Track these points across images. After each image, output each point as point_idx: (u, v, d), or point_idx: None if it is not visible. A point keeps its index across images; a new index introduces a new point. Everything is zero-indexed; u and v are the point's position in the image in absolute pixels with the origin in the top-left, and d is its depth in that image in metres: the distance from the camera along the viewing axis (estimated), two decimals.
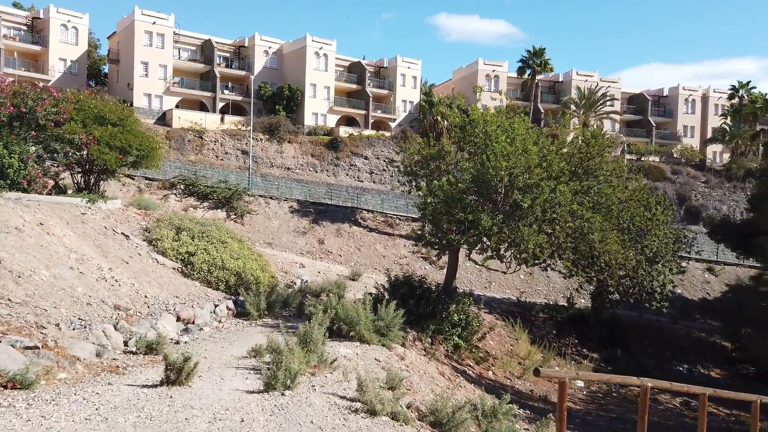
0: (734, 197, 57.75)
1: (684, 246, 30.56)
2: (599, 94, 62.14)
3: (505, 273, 19.39)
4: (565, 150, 18.70)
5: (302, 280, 26.51)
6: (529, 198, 16.08)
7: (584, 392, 21.92)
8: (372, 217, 41.94)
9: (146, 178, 37.18)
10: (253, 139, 49.53)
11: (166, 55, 55.21)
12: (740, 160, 60.44)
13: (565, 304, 32.64)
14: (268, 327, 14.44)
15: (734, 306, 37.85)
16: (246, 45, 61.42)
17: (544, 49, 61.17)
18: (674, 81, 77.23)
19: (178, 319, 13.17)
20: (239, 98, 58.26)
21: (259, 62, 60.39)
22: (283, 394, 7.33)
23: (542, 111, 63.99)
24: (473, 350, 20.30)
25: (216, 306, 15.45)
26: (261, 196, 40.46)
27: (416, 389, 10.99)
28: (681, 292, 38.96)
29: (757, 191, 31.77)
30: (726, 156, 66.36)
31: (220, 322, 14.66)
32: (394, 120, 63.23)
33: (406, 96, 64.41)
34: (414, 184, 18.64)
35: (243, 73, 59.29)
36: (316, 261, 33.99)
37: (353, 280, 29.30)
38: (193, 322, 13.48)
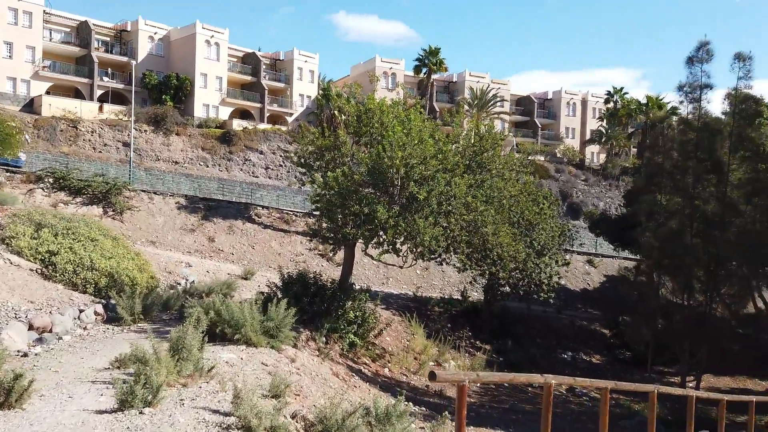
0: (610, 194, 62.17)
1: (568, 239, 32.12)
2: (490, 95, 64.43)
3: (401, 267, 19.06)
4: (460, 143, 18.67)
5: (188, 280, 24.70)
6: (425, 190, 15.80)
7: (478, 384, 22.18)
8: (267, 214, 40.38)
9: (7, 171, 33.14)
10: (136, 130, 45.97)
11: (35, 35, 49.86)
12: (615, 159, 65.17)
13: (460, 298, 33.25)
14: (142, 333, 12.96)
15: (611, 295, 40.64)
16: (129, 29, 57.02)
17: (440, 48, 62.40)
18: (557, 86, 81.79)
19: (31, 327, 11.41)
20: (121, 86, 53.97)
21: (144, 48, 56.31)
22: (141, 413, 6.23)
23: (437, 110, 65.28)
24: (369, 347, 19.81)
25: (81, 311, 13.69)
26: (144, 191, 37.50)
27: (306, 393, 10.18)
28: (565, 283, 41.06)
29: (632, 188, 34.14)
30: (603, 156, 71.35)
31: (85, 329, 12.97)
32: (291, 114, 61.64)
33: (304, 90, 63.02)
34: (308, 176, 17.75)
35: (125, 59, 54.93)
36: (206, 260, 32.01)
37: (246, 279, 27.83)
38: (49, 331, 11.74)
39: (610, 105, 71.44)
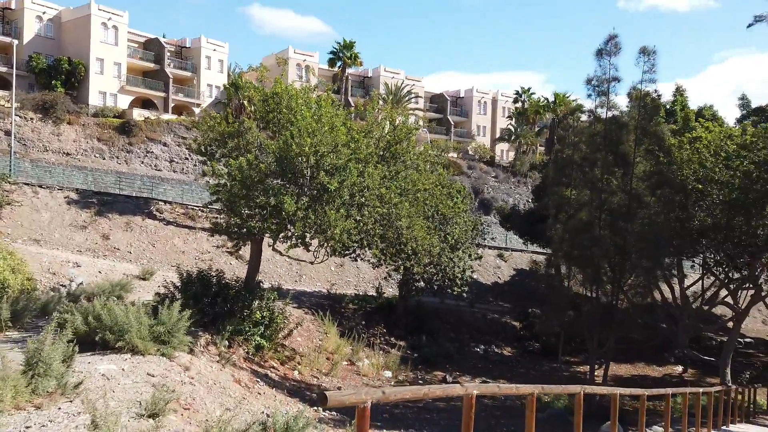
0: (519, 191, 64.10)
1: (480, 234, 32.34)
2: (405, 91, 64.48)
3: (312, 263, 18.01)
4: (374, 133, 17.89)
5: (75, 282, 22.31)
6: (337, 180, 14.87)
7: (392, 382, 21.60)
8: (170, 209, 37.80)
9: None
10: (20, 117, 41.59)
11: None
12: (523, 157, 67.30)
13: (375, 294, 32.63)
14: (8, 344, 11.11)
15: (521, 288, 41.63)
16: (13, 7, 51.73)
17: (354, 42, 61.62)
18: (469, 85, 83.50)
19: None
20: (3, 69, 48.82)
21: (31, 29, 51.32)
22: None
23: (353, 104, 64.49)
24: (278, 349, 18.61)
25: None
26: (29, 184, 33.89)
27: (199, 406, 8.94)
28: (477, 277, 41.55)
29: (540, 182, 34.98)
30: (512, 154, 73.58)
31: None
32: (199, 105, 58.51)
33: (213, 80, 60.03)
34: (209, 165, 16.26)
35: (8, 39, 49.72)
36: (99, 259, 29.29)
37: (144, 279, 25.65)
38: None
39: (519, 105, 73.81)
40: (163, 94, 56.42)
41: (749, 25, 18.32)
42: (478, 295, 38.97)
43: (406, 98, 63.87)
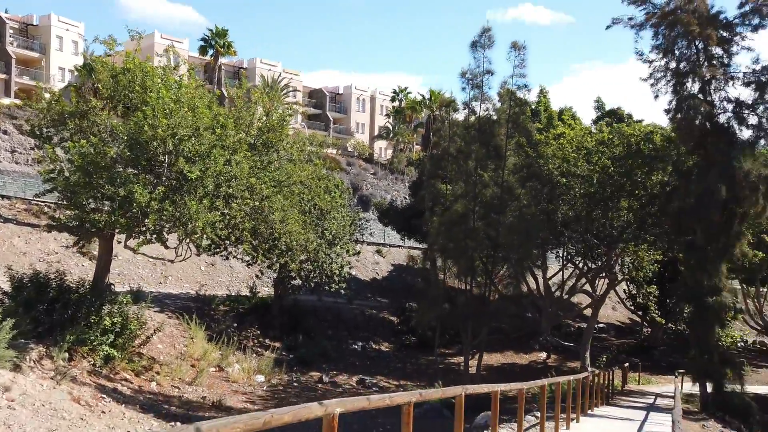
0: (396, 187, 64.97)
1: (359, 229, 31.89)
2: (282, 84, 62.61)
3: (173, 262, 16.25)
4: (244, 119, 16.52)
5: None
6: (199, 168, 13.37)
7: (265, 387, 20.34)
8: (9, 205, 33.17)
9: None
10: None
11: None
12: (401, 155, 68.33)
13: (249, 294, 30.97)
14: None
15: (399, 283, 41.90)
16: None
17: (227, 30, 58.53)
18: (348, 81, 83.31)
19: None
20: None
21: None
22: None
23: (227, 96, 61.39)
24: (133, 359, 16.59)
25: None
26: None
27: None
28: (356, 273, 41.17)
29: (417, 178, 35.30)
30: (390, 152, 74.49)
31: None
32: (49, 89, 52.33)
33: (65, 63, 54.02)
34: (43, 149, 13.96)
35: None
36: None
37: None
38: None
39: (396, 103, 74.88)
40: (3, 76, 49.81)
41: (608, 27, 19.48)
42: (356, 291, 38.55)
43: (284, 92, 62.00)
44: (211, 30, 58.08)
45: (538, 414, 11.01)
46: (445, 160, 20.00)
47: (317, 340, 28.46)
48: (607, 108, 43.91)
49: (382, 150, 76.91)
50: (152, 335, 17.91)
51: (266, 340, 27.20)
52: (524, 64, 18.44)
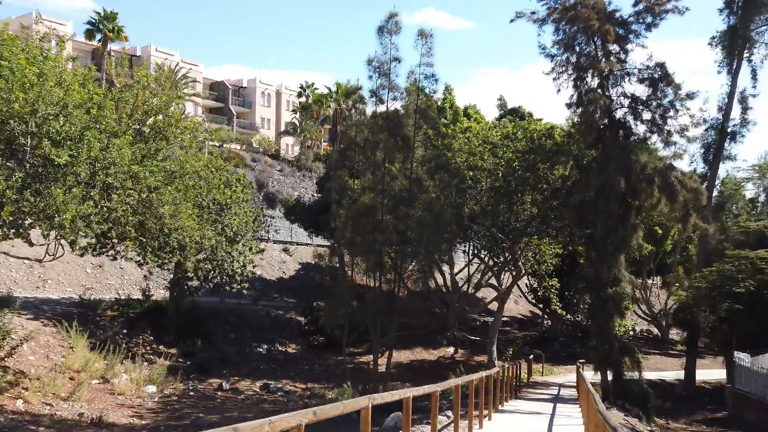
0: (304, 185, 63.44)
1: (263, 226, 30.36)
2: (181, 74, 59.10)
3: (40, 262, 14.20)
4: (128, 100, 14.76)
5: None
6: (68, 152, 11.59)
7: (155, 399, 18.51)
8: None
9: None
10: None
11: None
12: (308, 151, 66.89)
13: (141, 297, 28.52)
14: None
15: (307, 282, 40.64)
16: None
17: (117, 14, 54.27)
18: (252, 75, 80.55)
19: None
20: None
21: None
22: None
23: (117, 85, 57.01)
24: None
25: None
26: None
27: None
28: (261, 273, 39.47)
29: (324, 174, 34.24)
30: (297, 148, 72.76)
31: None
32: None
33: None
34: None
35: None
36: None
37: None
38: None
39: (303, 99, 73.25)
40: None
41: (511, 20, 19.59)
42: (262, 291, 36.89)
43: (182, 83, 58.55)
44: (98, 13, 53.65)
45: (450, 414, 10.45)
46: (351, 151, 19.18)
47: (218, 344, 26.71)
48: (509, 107, 45.21)
49: (289, 146, 75.03)
50: (19, 346, 15.65)
51: (160, 347, 25.11)
52: (431, 53, 18.08)
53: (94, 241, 16.57)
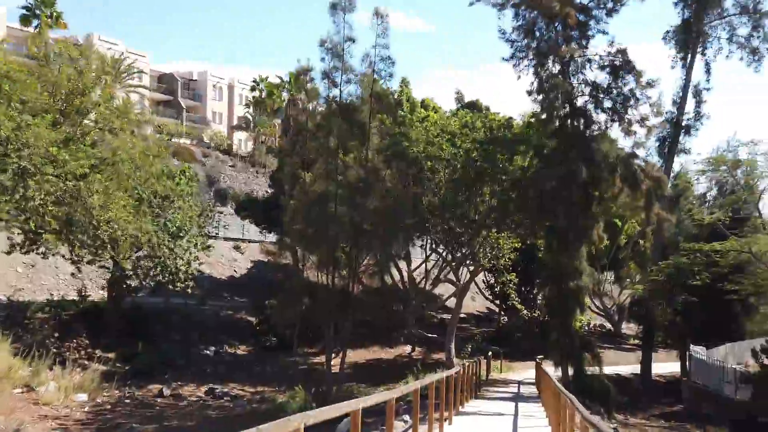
0: (258, 181, 61.59)
1: (211, 221, 28.73)
2: (126, 64, 56.31)
3: None
4: (47, 75, 13.18)
5: None
6: None
7: (86, 408, 16.88)
8: None
9: None
10: None
11: None
12: (262, 147, 65.01)
13: (76, 298, 26.50)
14: None
15: (259, 281, 39.05)
16: None
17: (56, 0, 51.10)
18: (203, 67, 77.85)
19: None
20: None
21: None
22: None
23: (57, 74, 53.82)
24: None
25: None
26: None
27: None
28: (211, 272, 37.72)
29: (277, 167, 32.83)
30: (250, 144, 70.71)
31: None
32: None
33: None
34: None
35: None
36: None
37: None
38: None
39: (256, 93, 71.16)
40: None
41: (471, 4, 18.86)
42: (211, 291, 35.16)
43: (127, 73, 55.79)
44: None
45: (408, 418, 9.47)
46: (302, 137, 17.98)
47: (161, 347, 25.03)
48: (467, 101, 44.68)
49: (242, 142, 72.80)
50: None
51: (97, 351, 23.30)
52: (387, 33, 17.08)
53: (21, 238, 14.96)
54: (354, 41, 16.98)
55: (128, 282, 24.36)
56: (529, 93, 18.15)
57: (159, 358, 23.45)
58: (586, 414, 5.72)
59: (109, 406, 17.57)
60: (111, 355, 23.11)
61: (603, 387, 17.49)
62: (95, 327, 24.61)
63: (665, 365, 31.87)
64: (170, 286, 25.00)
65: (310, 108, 18.02)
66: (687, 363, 27.69)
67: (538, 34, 18.09)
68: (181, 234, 23.97)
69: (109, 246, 15.89)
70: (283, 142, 31.79)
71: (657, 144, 26.95)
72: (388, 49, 17.29)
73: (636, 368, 30.01)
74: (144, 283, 24.22)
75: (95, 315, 25.29)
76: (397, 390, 6.84)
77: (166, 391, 20.50)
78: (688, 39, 26.46)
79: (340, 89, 16.93)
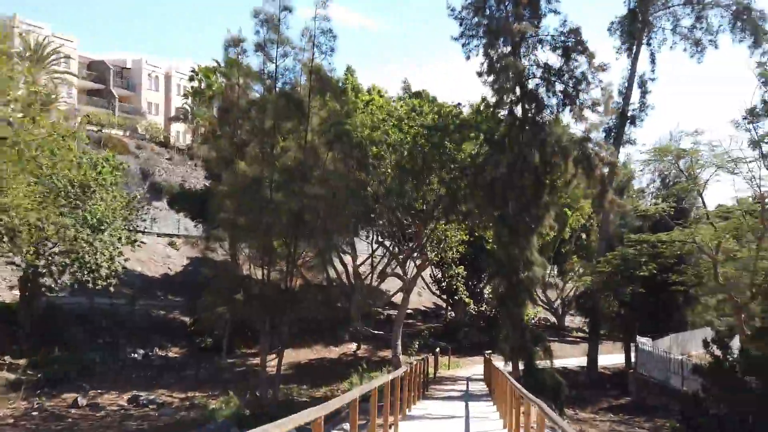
0: (196, 174, 58.76)
1: (138, 213, 26.48)
2: (51, 48, 52.44)
3: None
4: None
5: None
6: None
7: None
8: None
9: None
10: None
11: None
12: (201, 139, 62.16)
13: None
14: None
15: (195, 278, 36.80)
16: None
17: None
18: (138, 55, 73.89)
19: None
20: None
21: None
22: None
23: None
24: None
25: None
26: None
27: None
28: (142, 270, 35.27)
29: (209, 154, 30.73)
30: (189, 136, 67.61)
31: None
32: None
33: None
34: None
35: None
36: None
37: None
38: None
39: (195, 83, 68.01)
40: None
41: None
42: (143, 290, 32.75)
43: (52, 59, 51.94)
44: None
45: (346, 426, 8.20)
46: (233, 114, 16.37)
47: (81, 351, 22.80)
48: (414, 90, 43.72)
49: (180, 134, 69.48)
50: None
51: (5, 358, 20.91)
52: (328, 3, 15.71)
53: None
54: (291, 11, 15.56)
55: (42, 280, 21.99)
56: (479, 74, 17.20)
57: (75, 364, 21.27)
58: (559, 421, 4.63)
59: (11, 420, 15.47)
60: (22, 362, 20.78)
61: (555, 383, 16.77)
62: (4, 331, 22.16)
63: (610, 357, 31.92)
64: (90, 285, 22.75)
65: (242, 84, 16.40)
66: (633, 354, 27.63)
67: (488, 11, 17.21)
68: (102, 227, 21.79)
69: (5, 237, 13.83)
70: (215, 124, 29.74)
71: (603, 135, 26.70)
72: (330, 21, 15.96)
73: (582, 361, 29.82)
74: (60, 281, 21.89)
75: (5, 318, 22.81)
76: (332, 403, 5.54)
77: (82, 401, 18.43)
78: (634, 29, 26.31)
79: (276, 63, 15.46)
